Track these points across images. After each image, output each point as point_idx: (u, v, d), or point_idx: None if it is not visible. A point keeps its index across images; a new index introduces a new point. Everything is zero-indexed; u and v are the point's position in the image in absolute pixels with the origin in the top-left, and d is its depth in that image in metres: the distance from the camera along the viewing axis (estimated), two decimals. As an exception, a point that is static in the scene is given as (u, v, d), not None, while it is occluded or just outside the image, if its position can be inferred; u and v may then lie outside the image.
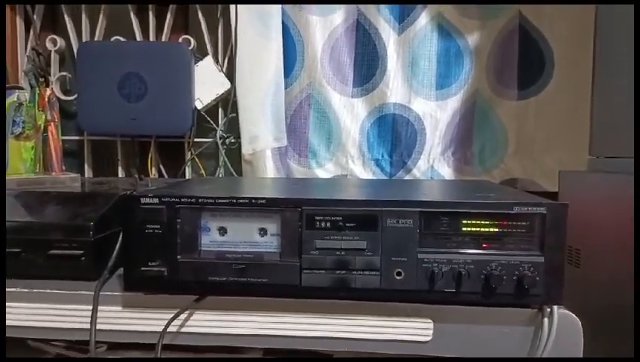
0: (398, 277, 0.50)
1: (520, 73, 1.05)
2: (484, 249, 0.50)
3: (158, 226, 0.51)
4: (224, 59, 1.08)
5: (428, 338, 0.52)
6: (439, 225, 0.50)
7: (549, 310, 0.51)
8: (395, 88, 1.06)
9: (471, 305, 0.51)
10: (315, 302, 0.53)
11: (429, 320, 0.52)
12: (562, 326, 0.51)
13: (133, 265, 0.52)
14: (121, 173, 1.12)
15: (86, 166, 1.13)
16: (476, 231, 0.50)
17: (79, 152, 1.14)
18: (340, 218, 0.50)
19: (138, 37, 1.09)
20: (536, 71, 1.04)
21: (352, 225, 0.50)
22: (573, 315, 0.51)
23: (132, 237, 0.52)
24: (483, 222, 0.50)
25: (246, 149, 1.03)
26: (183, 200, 0.51)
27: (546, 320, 0.51)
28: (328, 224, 0.51)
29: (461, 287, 0.50)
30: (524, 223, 0.50)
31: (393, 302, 0.52)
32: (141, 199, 0.51)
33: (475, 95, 1.06)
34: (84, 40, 1.10)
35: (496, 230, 0.50)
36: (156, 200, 0.51)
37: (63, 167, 1.10)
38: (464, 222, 0.50)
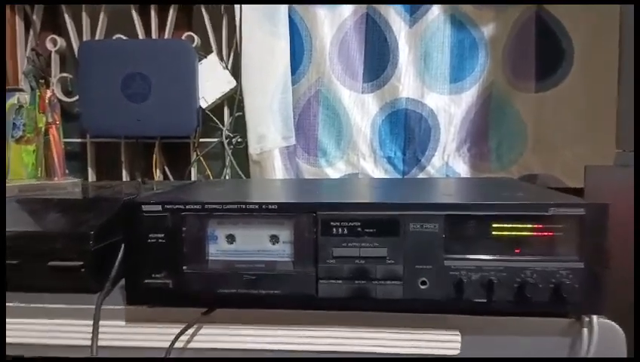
0: (422, 287, 0.47)
1: (538, 64, 1.00)
2: (516, 254, 0.46)
3: (162, 235, 0.48)
4: (229, 56, 1.05)
5: (456, 352, 0.49)
6: (467, 229, 0.46)
7: (587, 319, 0.47)
8: (407, 83, 1.02)
9: (503, 316, 0.47)
10: (333, 314, 0.49)
11: (457, 332, 0.49)
12: (603, 337, 0.47)
13: (136, 277, 0.49)
14: (125, 176, 1.09)
15: (89, 169, 1.10)
16: (508, 235, 0.46)
17: (82, 155, 1.11)
18: (359, 223, 0.47)
19: (140, 35, 1.06)
20: (554, 61, 1.00)
21: (371, 230, 0.47)
22: (616, 325, 0.47)
23: (134, 247, 0.48)
24: (515, 226, 0.46)
25: (253, 149, 1.00)
26: (188, 206, 0.48)
27: (585, 330, 0.47)
28: (345, 230, 0.47)
29: (492, 297, 0.46)
30: (560, 226, 0.46)
31: (418, 313, 0.48)
32: (143, 206, 0.47)
33: (490, 88, 1.01)
34: (84, 39, 1.07)
35: (530, 234, 0.46)
36: (159, 208, 0.48)
37: (66, 171, 1.08)
38: (494, 225, 0.46)
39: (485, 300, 0.46)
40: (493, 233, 0.46)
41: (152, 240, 0.48)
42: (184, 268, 0.48)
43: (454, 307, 0.47)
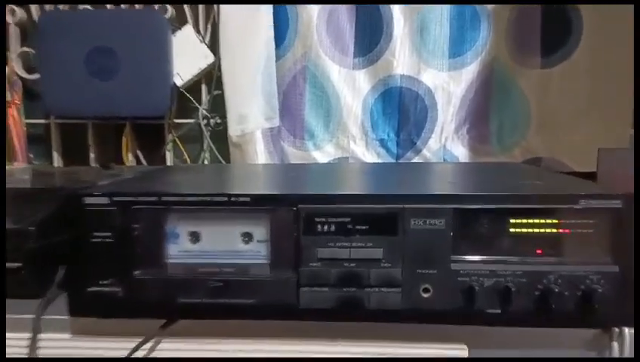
0: (425, 295, 0.40)
1: (544, 38, 0.94)
2: (538, 256, 0.39)
3: (109, 234, 0.40)
4: (206, 28, 0.97)
5: (462, 369, 0.41)
6: (479, 226, 0.40)
7: (617, 331, 0.40)
8: (401, 58, 0.96)
9: (520, 326, 0.40)
10: (317, 326, 0.43)
11: (463, 346, 0.42)
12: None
13: (79, 283, 0.40)
14: (94, 161, 1.01)
15: (54, 153, 1.01)
16: (528, 232, 0.39)
17: (47, 138, 1.02)
18: (349, 218, 0.40)
19: (108, 5, 0.97)
20: (561, 34, 0.93)
21: (364, 227, 0.40)
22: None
23: (76, 248, 0.40)
24: (537, 221, 0.39)
25: (233, 131, 0.93)
26: (140, 198, 0.40)
27: (615, 344, 0.40)
28: (333, 227, 0.40)
29: (509, 307, 0.38)
30: (591, 221, 0.38)
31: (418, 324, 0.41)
32: (84, 199, 0.39)
33: (493, 64, 0.95)
34: (46, 10, 0.98)
35: (556, 231, 0.39)
36: (105, 200, 0.40)
37: (30, 155, 1.00)
38: (512, 221, 0.39)
39: (500, 311, 0.39)
40: (511, 230, 0.40)
41: (97, 240, 0.40)
42: (136, 273, 0.40)
43: (462, 319, 0.40)
